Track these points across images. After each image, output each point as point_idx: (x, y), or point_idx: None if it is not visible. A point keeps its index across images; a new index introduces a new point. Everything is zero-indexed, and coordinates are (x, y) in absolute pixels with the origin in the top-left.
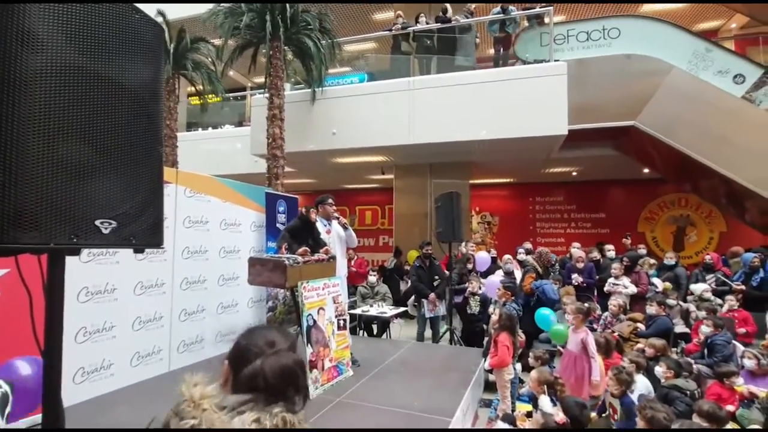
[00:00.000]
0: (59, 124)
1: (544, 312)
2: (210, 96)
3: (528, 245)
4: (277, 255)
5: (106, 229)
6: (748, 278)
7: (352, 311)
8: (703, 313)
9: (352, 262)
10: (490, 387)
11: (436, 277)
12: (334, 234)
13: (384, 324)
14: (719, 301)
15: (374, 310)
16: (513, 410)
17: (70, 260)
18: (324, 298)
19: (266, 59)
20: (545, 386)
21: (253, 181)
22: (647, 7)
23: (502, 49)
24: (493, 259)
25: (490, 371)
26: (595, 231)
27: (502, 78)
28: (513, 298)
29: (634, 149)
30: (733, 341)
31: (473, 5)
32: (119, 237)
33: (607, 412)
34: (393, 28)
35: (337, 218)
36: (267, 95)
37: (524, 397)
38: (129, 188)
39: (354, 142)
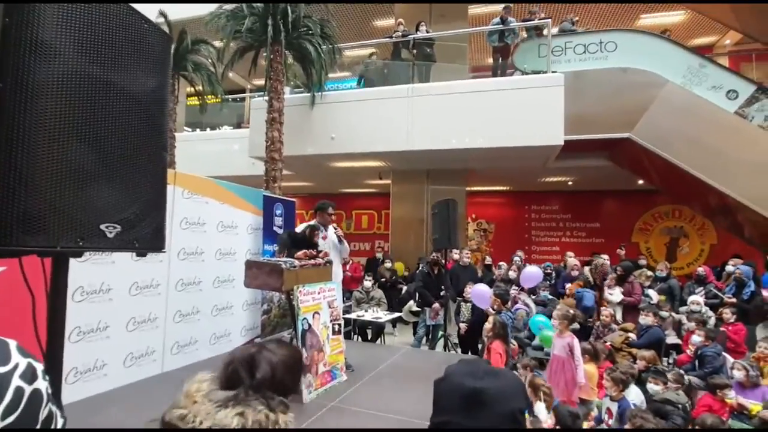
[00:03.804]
0: (67, 130)
1: (539, 319)
2: (209, 97)
3: (520, 253)
4: (275, 258)
5: (110, 233)
6: (738, 291)
7: (347, 316)
8: (692, 324)
9: (347, 267)
10: None
11: (443, 287)
12: (330, 240)
13: (379, 329)
14: (710, 313)
15: (369, 315)
16: None
17: None
18: (319, 303)
19: (267, 62)
20: (541, 392)
21: (251, 184)
22: (644, 22)
23: (501, 59)
24: (488, 267)
25: None
26: (590, 240)
27: (501, 87)
28: (505, 306)
29: (628, 161)
30: (723, 353)
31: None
32: (123, 241)
33: (603, 418)
34: (393, 35)
35: (335, 228)
36: (266, 98)
37: None
38: (133, 193)
39: (352, 147)
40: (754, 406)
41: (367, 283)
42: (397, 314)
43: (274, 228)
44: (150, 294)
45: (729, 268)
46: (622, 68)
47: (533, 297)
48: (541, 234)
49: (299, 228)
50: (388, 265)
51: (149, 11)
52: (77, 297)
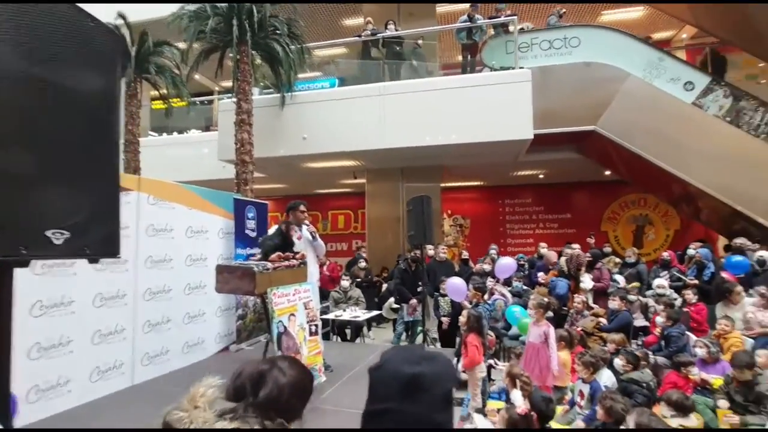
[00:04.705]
0: (3, 133)
1: (514, 309)
2: (175, 100)
3: (495, 247)
4: (246, 262)
5: (58, 239)
6: (699, 273)
7: (325, 316)
8: (660, 307)
9: (325, 267)
10: (461, 385)
11: (420, 283)
12: (305, 239)
13: (357, 328)
14: (675, 295)
15: (347, 314)
16: (483, 406)
17: (21, 273)
18: (295, 304)
19: (233, 63)
20: (516, 380)
21: (222, 187)
22: (605, 18)
23: (469, 56)
24: (465, 261)
25: (464, 371)
26: (562, 231)
27: (471, 84)
28: (483, 298)
29: (595, 152)
30: (687, 332)
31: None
32: (73, 247)
33: (576, 400)
34: (362, 34)
35: (307, 225)
36: (234, 100)
37: (494, 395)
38: (82, 198)
39: (325, 146)
40: (715, 380)
41: (345, 282)
42: (375, 312)
43: (246, 231)
44: (116, 305)
45: (690, 251)
46: (586, 63)
47: (508, 288)
48: (516, 227)
49: (271, 231)
50: (362, 264)
51: (107, 13)
52: (36, 311)
